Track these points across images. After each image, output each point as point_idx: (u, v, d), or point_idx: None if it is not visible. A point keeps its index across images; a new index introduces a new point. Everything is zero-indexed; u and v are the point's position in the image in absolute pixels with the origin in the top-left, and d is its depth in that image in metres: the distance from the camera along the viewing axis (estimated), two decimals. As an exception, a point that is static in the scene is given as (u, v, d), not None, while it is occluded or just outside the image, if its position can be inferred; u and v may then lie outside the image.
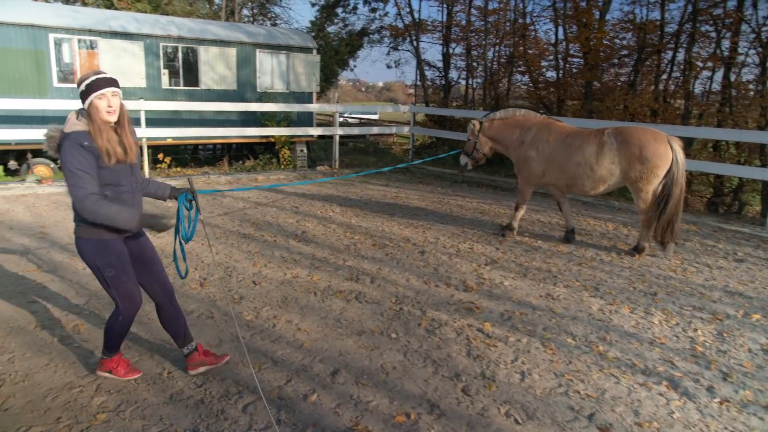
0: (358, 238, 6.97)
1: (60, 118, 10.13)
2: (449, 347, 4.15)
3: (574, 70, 15.85)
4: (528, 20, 17.52)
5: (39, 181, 10.06)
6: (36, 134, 10.02)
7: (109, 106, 3.07)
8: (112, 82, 3.09)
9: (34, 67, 11.62)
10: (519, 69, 17.74)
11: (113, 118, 3.12)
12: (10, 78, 11.33)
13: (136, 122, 11.29)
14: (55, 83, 11.92)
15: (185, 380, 3.58)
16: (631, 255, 6.54)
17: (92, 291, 5.00)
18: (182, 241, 3.56)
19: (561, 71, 16.21)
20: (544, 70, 17.22)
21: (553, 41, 16.73)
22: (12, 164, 11.89)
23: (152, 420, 3.15)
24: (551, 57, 16.70)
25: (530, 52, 16.91)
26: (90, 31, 12.14)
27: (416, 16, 21.18)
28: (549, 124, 6.84)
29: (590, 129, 6.72)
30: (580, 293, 5.34)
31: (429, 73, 20.29)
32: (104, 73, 3.13)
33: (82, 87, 3.06)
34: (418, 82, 20.59)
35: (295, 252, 6.31)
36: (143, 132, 10.93)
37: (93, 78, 3.05)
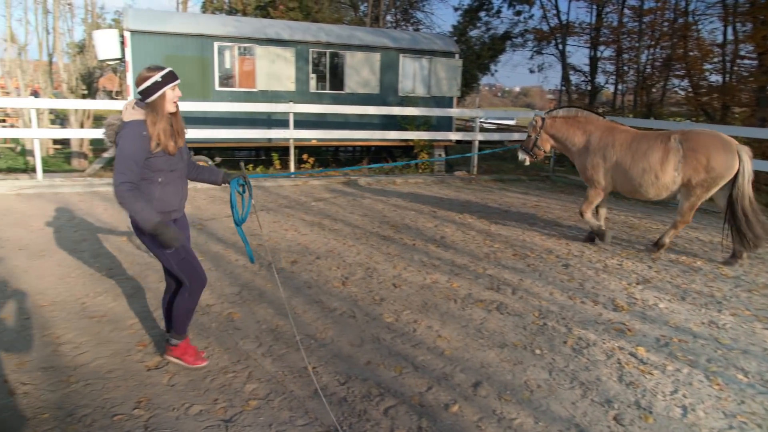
0: (498, 247, 6.78)
1: (219, 120, 10.92)
2: (598, 370, 3.86)
3: (745, 74, 14.33)
4: (690, 19, 16.15)
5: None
6: (198, 134, 10.95)
7: (177, 97, 3.34)
8: (177, 76, 3.35)
9: (200, 73, 12.70)
10: (677, 73, 16.43)
11: (174, 109, 3.36)
12: (182, 82, 12.46)
13: (285, 124, 11.96)
14: (217, 87, 12.94)
15: (329, 376, 3.65)
16: (650, 251, 6.64)
17: (244, 282, 5.31)
18: (237, 224, 3.86)
19: (728, 75, 14.74)
20: (707, 73, 15.77)
21: (719, 42, 15.27)
22: (177, 160, 13.08)
23: (298, 412, 3.25)
24: (717, 59, 15.26)
25: (691, 54, 15.57)
26: (249, 39, 13.05)
27: (563, 18, 20.38)
28: (613, 128, 6.67)
29: (656, 133, 6.51)
30: (751, 324, 4.76)
31: (574, 78, 19.44)
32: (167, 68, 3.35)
33: (157, 78, 3.23)
34: (561, 87, 19.80)
35: (434, 257, 6.28)
36: (291, 133, 11.54)
37: (166, 71, 3.29)
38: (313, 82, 13.98)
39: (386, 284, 5.38)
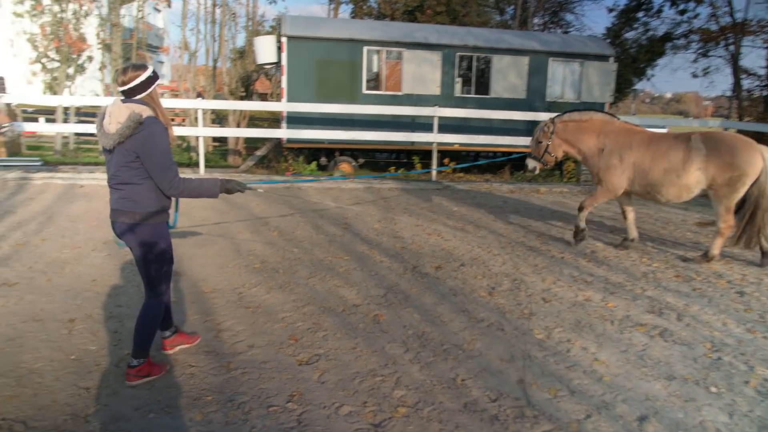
0: (657, 266, 6.21)
1: (364, 122, 11.06)
2: (791, 419, 3.34)
3: None
4: None
5: (343, 177, 11.29)
6: (344, 135, 11.28)
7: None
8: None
9: (348, 76, 13.11)
10: None
11: None
12: (331, 85, 13.00)
13: (429, 128, 11.95)
14: (364, 90, 13.28)
15: (479, 390, 3.50)
16: (699, 263, 6.28)
17: (389, 284, 5.31)
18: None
19: None
20: None
21: None
22: (323, 160, 13.63)
23: (448, 426, 3.13)
24: None
25: None
26: (397, 43, 13.25)
27: (737, 16, 18.45)
28: (628, 130, 6.48)
29: (673, 134, 6.43)
30: None
31: (746, 82, 17.53)
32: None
33: (149, 73, 3.29)
34: (732, 93, 17.93)
35: (586, 272, 5.88)
36: (434, 137, 11.50)
37: (152, 67, 3.35)
38: (458, 86, 13.89)
39: (535, 298, 5.11)
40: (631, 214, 6.79)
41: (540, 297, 5.13)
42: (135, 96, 3.25)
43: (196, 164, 12.00)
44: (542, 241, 7.06)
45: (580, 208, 6.76)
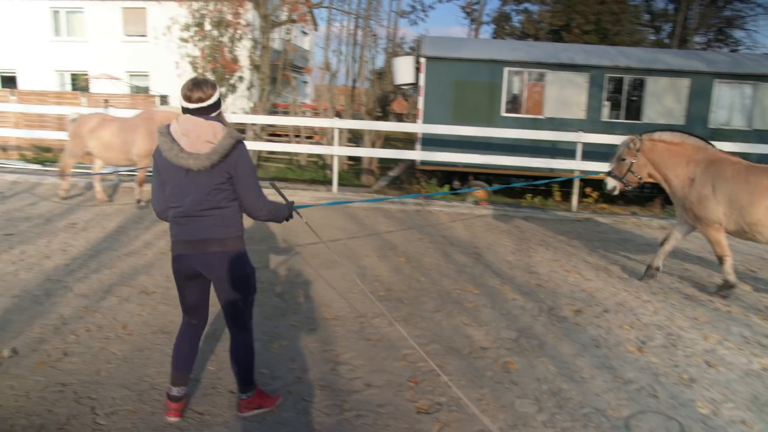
0: None
1: (502, 146, 10.55)
2: None
3: None
4: None
5: (476, 203, 10.86)
6: (479, 159, 10.86)
7: None
8: None
9: (487, 98, 12.71)
10: None
11: None
12: (468, 107, 12.68)
13: (571, 154, 11.17)
14: (502, 113, 12.79)
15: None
16: None
17: (522, 327, 4.82)
18: None
19: None
20: None
21: None
22: (456, 184, 13.28)
23: None
24: None
25: None
26: (540, 64, 12.64)
27: None
28: (722, 159, 5.72)
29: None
30: None
31: None
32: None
33: (220, 90, 3.08)
34: None
35: (761, 333, 4.95)
36: (577, 165, 10.71)
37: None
38: (605, 110, 12.93)
39: (696, 360, 4.35)
40: (670, 244, 6.24)
41: (702, 359, 4.36)
42: (211, 114, 3.05)
43: (330, 182, 12.19)
44: (701, 288, 6.15)
45: (721, 261, 5.86)
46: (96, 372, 3.76)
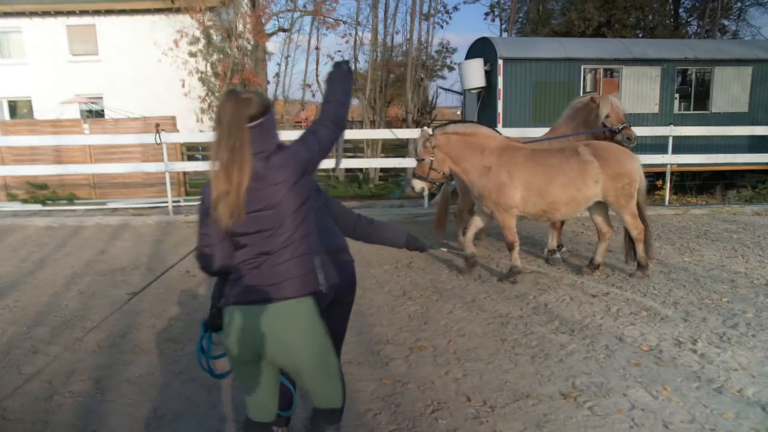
0: None
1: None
2: None
3: None
4: None
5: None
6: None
7: None
8: None
9: (564, 97, 12.76)
10: None
11: None
12: (548, 107, 12.72)
13: (663, 149, 11.21)
14: (579, 111, 12.86)
15: None
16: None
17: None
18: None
19: None
20: None
21: None
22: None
23: None
24: None
25: None
26: (615, 60, 12.76)
27: None
28: (510, 146, 6.03)
29: (556, 147, 6.17)
30: None
31: None
32: None
33: None
34: None
35: None
36: (669, 158, 10.79)
37: None
38: (677, 103, 13.14)
39: None
40: (470, 233, 6.35)
41: None
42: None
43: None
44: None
45: (510, 248, 6.11)
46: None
